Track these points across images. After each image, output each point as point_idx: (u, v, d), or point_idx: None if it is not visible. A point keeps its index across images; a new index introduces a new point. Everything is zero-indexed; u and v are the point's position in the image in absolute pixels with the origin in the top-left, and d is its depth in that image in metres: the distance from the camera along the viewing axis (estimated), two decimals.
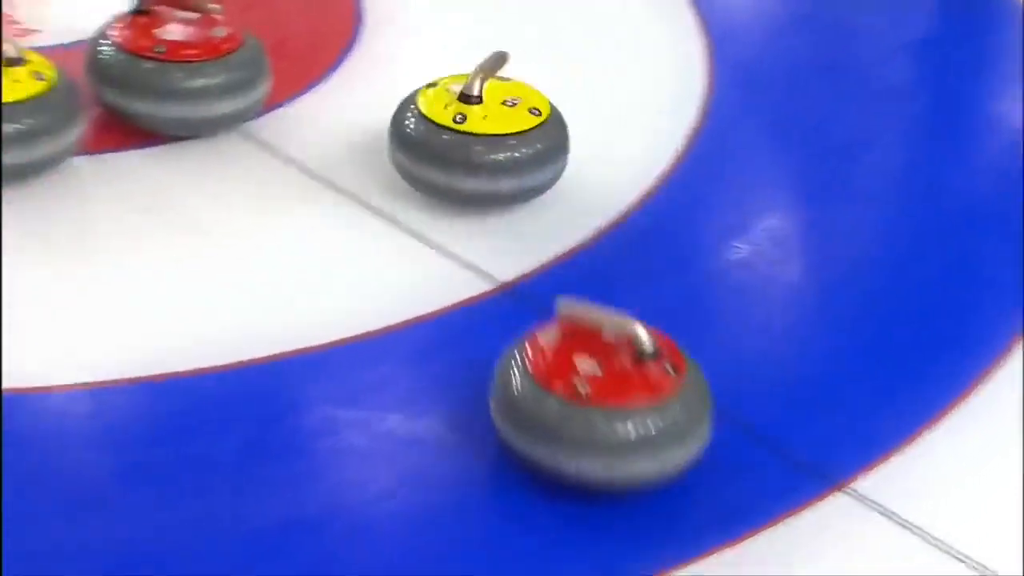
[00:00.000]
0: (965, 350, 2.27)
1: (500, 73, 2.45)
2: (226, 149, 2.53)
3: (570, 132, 2.50)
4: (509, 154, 2.38)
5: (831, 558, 1.89)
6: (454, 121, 2.37)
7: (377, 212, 2.43)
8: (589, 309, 1.92)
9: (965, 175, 2.79)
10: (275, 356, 2.10)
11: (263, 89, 2.55)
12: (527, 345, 1.92)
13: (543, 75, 2.87)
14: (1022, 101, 2.99)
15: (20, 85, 2.28)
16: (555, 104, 2.49)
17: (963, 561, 1.88)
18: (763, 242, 2.53)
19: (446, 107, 2.38)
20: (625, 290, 2.34)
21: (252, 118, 2.57)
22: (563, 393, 1.85)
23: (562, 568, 1.82)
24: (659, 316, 2.24)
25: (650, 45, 3.13)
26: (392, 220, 2.41)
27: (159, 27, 2.48)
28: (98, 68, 2.47)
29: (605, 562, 1.82)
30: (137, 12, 2.50)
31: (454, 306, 2.25)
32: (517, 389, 1.88)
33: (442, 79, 2.45)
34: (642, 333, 1.88)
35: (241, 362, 2.08)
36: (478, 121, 2.37)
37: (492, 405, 1.93)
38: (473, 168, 2.38)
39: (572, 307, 1.92)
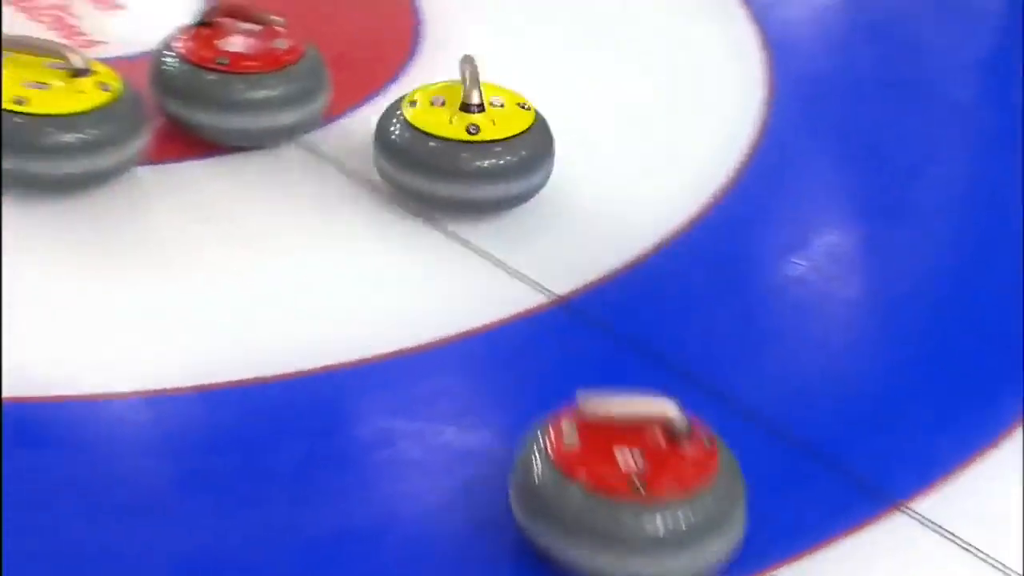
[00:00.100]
0: None
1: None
2: (286, 160, 2.55)
3: (628, 144, 2.50)
4: (524, 153, 2.40)
5: None
6: (468, 133, 2.37)
7: (434, 224, 2.43)
8: (614, 404, 1.79)
9: None
10: (331, 367, 2.11)
11: (323, 101, 2.57)
12: (550, 429, 1.80)
13: (600, 88, 2.87)
14: None
15: (85, 96, 2.31)
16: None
17: None
18: (822, 258, 2.51)
19: (451, 121, 2.37)
20: (681, 305, 2.33)
21: (312, 129, 2.59)
22: (587, 482, 1.72)
23: None
24: (715, 332, 2.23)
25: (709, 58, 3.12)
26: (449, 233, 2.42)
27: (222, 39, 2.50)
28: (162, 79, 2.50)
29: None
30: (201, 24, 2.53)
31: (510, 319, 2.25)
32: (538, 476, 1.76)
33: (407, 97, 2.43)
34: (674, 412, 1.76)
35: (298, 372, 2.09)
36: (490, 128, 2.38)
37: (511, 493, 1.81)
38: (496, 175, 2.38)
39: (596, 405, 1.79)
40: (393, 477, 1.96)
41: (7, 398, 1.96)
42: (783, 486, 1.96)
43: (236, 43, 2.50)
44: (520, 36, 3.09)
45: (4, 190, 2.31)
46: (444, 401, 2.09)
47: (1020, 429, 2.11)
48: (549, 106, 2.85)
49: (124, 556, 1.78)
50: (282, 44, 2.52)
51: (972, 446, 2.07)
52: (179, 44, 2.51)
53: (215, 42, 2.50)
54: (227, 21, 2.53)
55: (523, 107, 2.45)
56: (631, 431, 1.77)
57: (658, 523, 1.71)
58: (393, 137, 2.40)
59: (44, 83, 2.30)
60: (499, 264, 2.36)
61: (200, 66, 2.47)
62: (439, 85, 2.44)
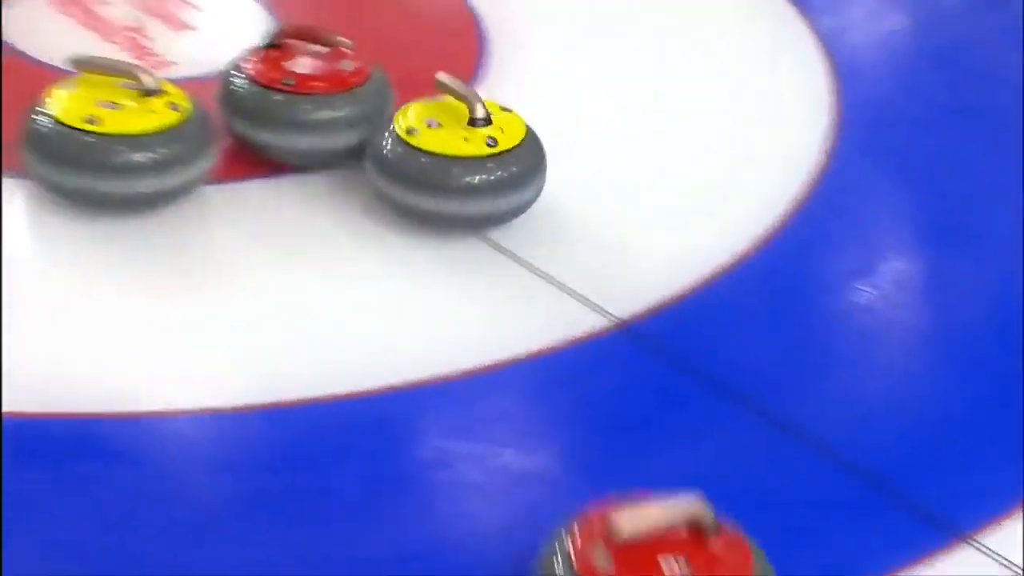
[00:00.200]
0: None
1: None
2: (350, 181, 2.57)
3: (691, 165, 2.49)
4: (536, 154, 2.42)
5: None
6: (489, 146, 2.37)
7: (495, 246, 2.43)
8: (641, 515, 1.68)
9: None
10: (390, 387, 2.11)
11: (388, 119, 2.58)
12: (574, 533, 1.71)
13: (664, 109, 2.87)
14: None
15: (156, 115, 2.34)
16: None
17: None
18: (888, 285, 2.48)
19: (466, 140, 2.37)
20: (744, 331, 2.31)
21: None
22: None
23: None
24: (778, 359, 2.21)
25: (776, 83, 3.10)
26: (510, 254, 2.42)
27: (289, 60, 2.52)
28: (229, 99, 2.53)
29: None
30: (269, 46, 2.55)
31: (570, 342, 2.24)
32: None
33: (398, 128, 2.41)
34: (702, 510, 1.69)
35: (358, 392, 2.10)
36: (503, 137, 2.39)
37: None
38: (523, 181, 2.41)
39: (627, 522, 1.66)
40: (451, 499, 1.96)
41: (72, 413, 1.99)
42: (847, 516, 1.93)
43: (303, 64, 2.52)
44: (584, 53, 3.09)
45: (73, 206, 2.34)
46: (503, 423, 2.09)
47: None
48: (610, 123, 2.86)
49: (182, 573, 1.79)
50: (348, 66, 2.54)
51: None
52: (247, 65, 2.53)
53: (282, 63, 2.52)
54: (295, 43, 2.55)
55: (504, 110, 2.46)
56: (662, 538, 1.68)
57: None
58: (412, 168, 2.37)
59: (116, 103, 2.33)
60: (559, 285, 2.35)
61: (267, 87, 2.49)
62: (414, 110, 2.42)
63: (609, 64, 3.06)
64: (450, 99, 2.43)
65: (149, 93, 2.36)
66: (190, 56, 2.89)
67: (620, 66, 3.06)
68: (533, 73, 3.00)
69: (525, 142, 2.42)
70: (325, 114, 2.50)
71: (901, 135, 2.95)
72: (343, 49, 2.55)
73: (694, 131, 2.85)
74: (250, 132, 2.52)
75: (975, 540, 1.93)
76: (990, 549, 1.91)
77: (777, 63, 3.18)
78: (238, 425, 2.04)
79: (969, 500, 2.00)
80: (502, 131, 2.40)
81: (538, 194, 2.45)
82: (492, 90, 2.87)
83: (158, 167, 2.33)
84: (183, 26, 2.95)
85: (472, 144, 2.37)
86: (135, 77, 2.37)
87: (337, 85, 2.51)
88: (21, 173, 2.38)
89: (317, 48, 2.56)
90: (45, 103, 2.34)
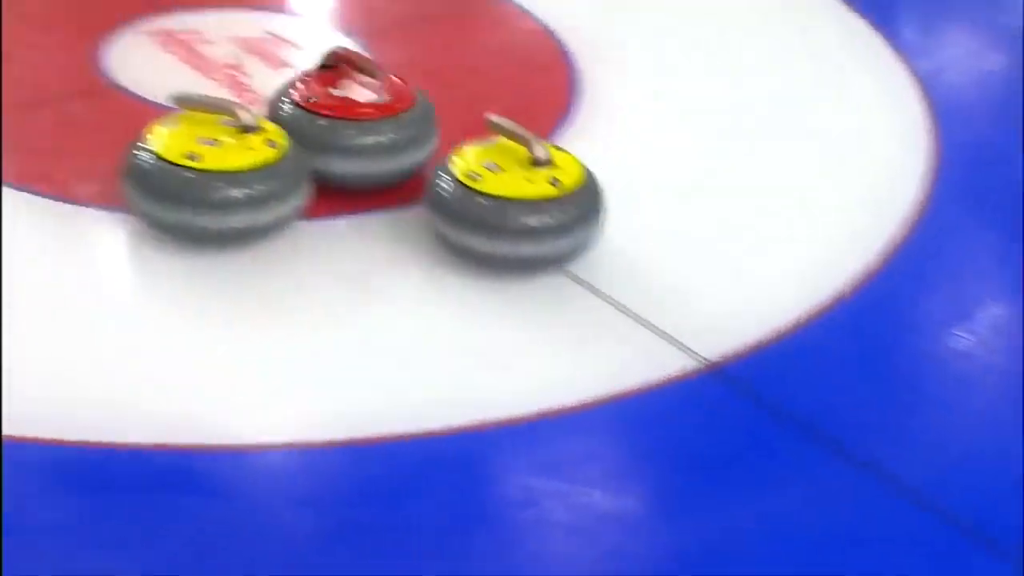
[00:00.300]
0: None
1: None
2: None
3: (781, 204, 2.46)
4: (599, 194, 2.42)
5: None
6: (553, 186, 2.37)
7: (582, 283, 2.43)
8: None
9: None
10: (478, 424, 2.12)
11: (431, 147, 2.59)
12: None
13: (757, 148, 2.84)
14: None
15: (253, 152, 2.38)
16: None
17: None
18: (986, 331, 2.43)
19: (530, 182, 2.37)
20: (836, 375, 2.28)
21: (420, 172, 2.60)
22: None
23: None
24: (871, 404, 2.18)
25: (873, 122, 3.07)
26: (597, 291, 2.41)
27: (336, 85, 2.55)
28: (276, 123, 2.54)
29: None
30: (324, 67, 2.58)
31: (660, 383, 2.23)
32: None
33: (453, 162, 2.40)
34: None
35: (446, 429, 2.10)
36: (565, 176, 2.38)
37: None
38: (586, 219, 2.40)
39: None
40: (538, 537, 1.95)
41: (165, 445, 2.02)
42: (939, 564, 1.89)
43: (349, 90, 2.55)
44: (674, 84, 3.09)
45: (171, 240, 2.39)
46: (590, 463, 2.08)
47: None
48: (701, 165, 2.84)
49: None
50: (384, 96, 2.55)
51: None
52: (294, 90, 2.57)
53: (328, 89, 2.55)
54: (346, 68, 2.58)
55: (559, 149, 2.46)
56: None
57: None
58: (479, 212, 2.35)
59: (216, 139, 2.38)
60: (648, 325, 2.34)
61: (312, 112, 2.53)
62: (471, 153, 2.41)
63: (698, 99, 3.05)
64: (504, 140, 2.43)
65: (247, 130, 2.40)
66: None
67: (709, 101, 3.05)
68: (623, 107, 2.99)
69: (586, 181, 2.41)
70: (370, 139, 2.52)
71: (1001, 176, 2.89)
72: (390, 77, 2.58)
73: (786, 170, 2.83)
74: None
75: None
76: None
77: (873, 104, 3.14)
78: (325, 459, 2.06)
79: None
80: (562, 170, 2.40)
81: (601, 230, 2.44)
82: (585, 125, 2.88)
83: (252, 203, 2.36)
84: (281, 64, 3.00)
85: (536, 186, 2.37)
86: (234, 114, 2.41)
87: (382, 111, 2.54)
88: (121, 206, 2.43)
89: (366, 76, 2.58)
90: (146, 139, 2.39)
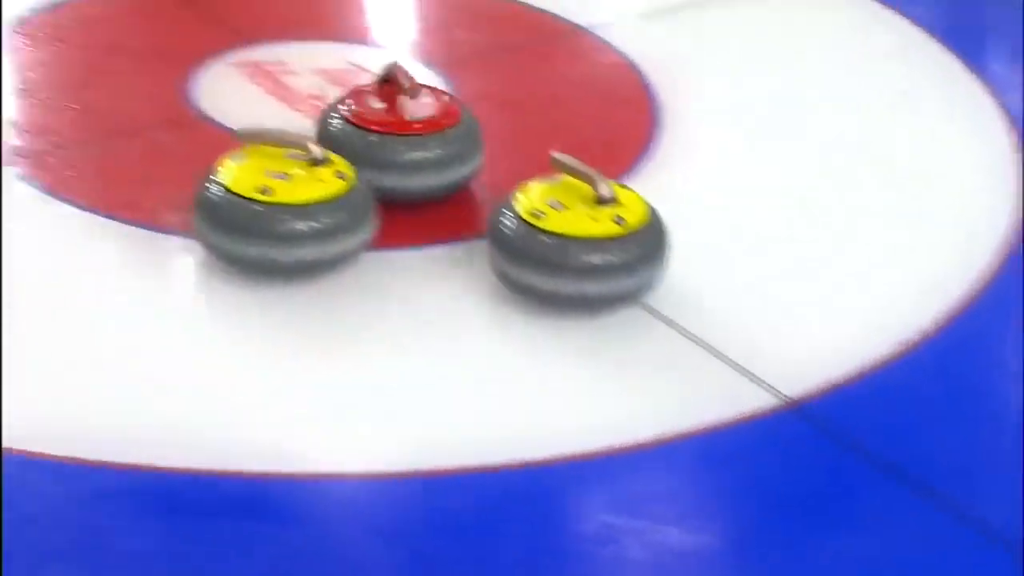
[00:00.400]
0: None
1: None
2: None
3: (866, 241, 2.42)
4: (664, 231, 2.39)
5: None
6: (617, 224, 2.34)
7: (658, 315, 2.40)
8: None
9: None
10: (554, 459, 2.09)
11: (476, 163, 2.61)
12: None
13: (839, 184, 2.80)
14: None
15: (323, 184, 2.38)
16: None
17: None
18: None
19: (595, 220, 2.33)
20: (920, 414, 2.23)
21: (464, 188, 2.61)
22: None
23: None
24: (958, 447, 2.12)
25: (959, 158, 3.01)
26: (673, 324, 2.38)
27: (395, 100, 2.57)
28: (324, 138, 2.56)
29: None
30: (383, 80, 2.61)
31: (738, 419, 2.19)
32: None
33: (517, 200, 2.37)
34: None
35: (521, 463, 2.08)
36: (629, 214, 2.35)
37: None
38: (651, 257, 2.37)
39: None
40: (612, 574, 1.92)
41: (238, 472, 2.02)
42: None
43: (401, 106, 2.57)
44: (760, 131, 3.06)
45: (240, 272, 2.40)
46: (668, 501, 2.05)
47: None
48: (783, 201, 2.80)
49: None
50: (438, 109, 2.58)
51: None
52: (343, 106, 2.59)
53: (377, 105, 2.58)
54: (398, 85, 2.60)
55: (622, 187, 2.44)
56: None
57: None
58: (542, 250, 2.32)
59: (286, 173, 2.39)
60: (727, 360, 2.31)
61: (360, 127, 2.55)
62: (535, 192, 2.38)
63: (782, 136, 3.02)
64: (569, 178, 2.41)
65: (317, 162, 2.41)
66: None
67: (794, 139, 3.01)
68: (705, 142, 2.97)
69: (650, 219, 2.38)
70: (417, 155, 2.54)
71: None
72: (439, 93, 2.60)
73: (871, 206, 2.78)
74: None
75: None
76: None
77: (960, 139, 3.09)
78: (399, 490, 2.05)
79: None
80: (626, 208, 2.38)
81: (666, 269, 2.41)
82: (665, 160, 2.86)
83: (321, 236, 2.36)
84: None
85: (601, 225, 2.35)
86: (304, 148, 2.43)
87: (428, 127, 2.56)
88: (190, 235, 2.45)
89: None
90: (217, 171, 2.41)
